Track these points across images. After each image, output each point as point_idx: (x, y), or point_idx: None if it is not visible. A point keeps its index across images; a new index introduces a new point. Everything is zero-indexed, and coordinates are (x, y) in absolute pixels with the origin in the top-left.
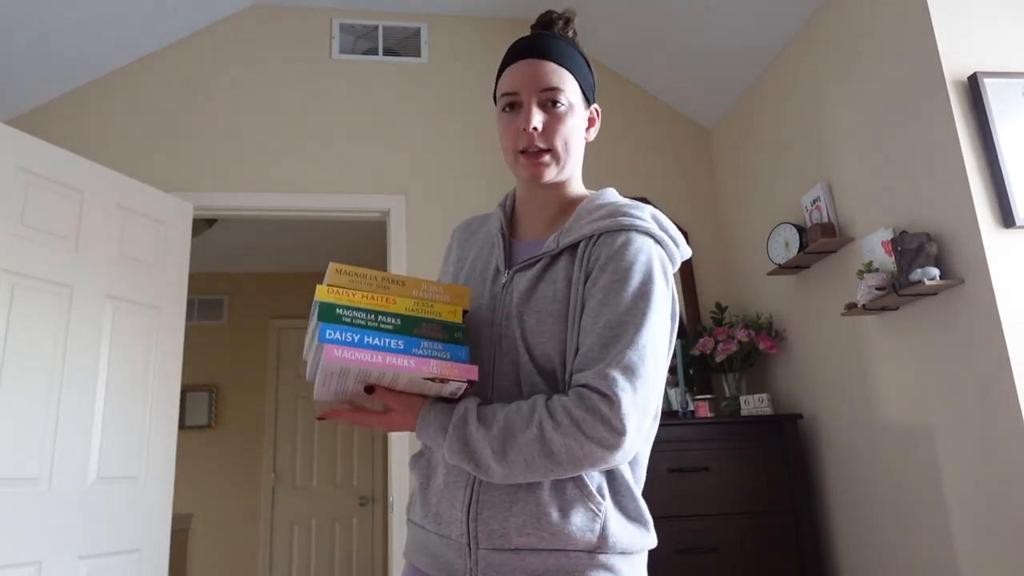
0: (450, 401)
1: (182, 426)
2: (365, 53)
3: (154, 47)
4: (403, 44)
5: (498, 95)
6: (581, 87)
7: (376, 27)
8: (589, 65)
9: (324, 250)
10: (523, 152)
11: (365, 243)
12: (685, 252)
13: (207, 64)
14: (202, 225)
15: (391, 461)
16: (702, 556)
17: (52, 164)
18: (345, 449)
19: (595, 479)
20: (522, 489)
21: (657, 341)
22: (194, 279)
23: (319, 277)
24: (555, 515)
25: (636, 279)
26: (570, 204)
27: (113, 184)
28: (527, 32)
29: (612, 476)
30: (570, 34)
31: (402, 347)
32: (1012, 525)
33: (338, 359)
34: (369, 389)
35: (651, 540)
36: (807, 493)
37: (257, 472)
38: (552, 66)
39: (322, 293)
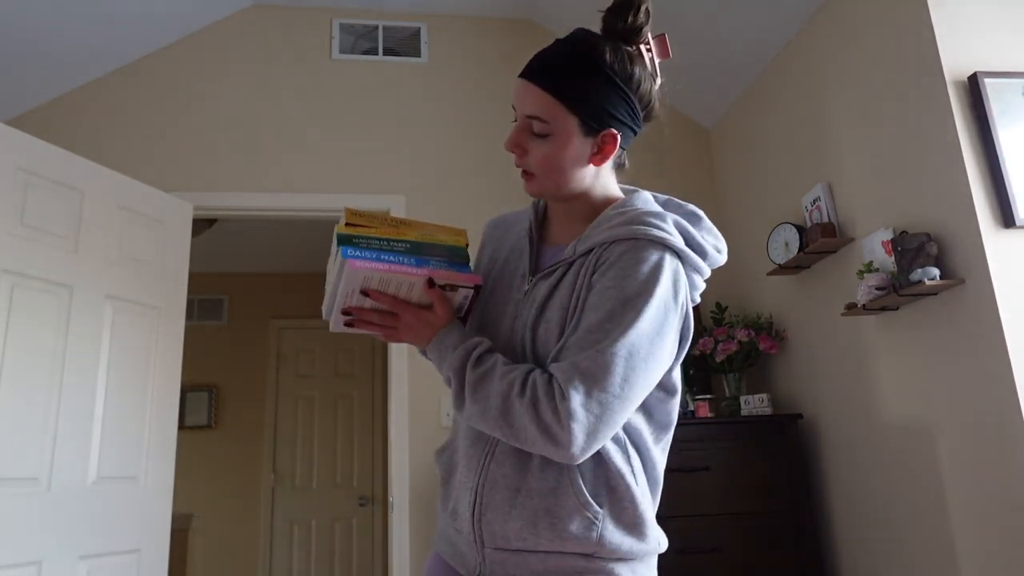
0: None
1: (182, 426)
2: (365, 53)
3: (154, 47)
4: (403, 44)
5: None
6: (580, 117)
7: (376, 27)
8: (621, 84)
9: (324, 250)
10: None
11: None
12: (716, 261)
13: (207, 64)
14: (202, 225)
15: (391, 461)
16: (702, 556)
17: (52, 164)
18: (345, 449)
19: (590, 486)
20: (521, 495)
21: (638, 353)
22: (194, 279)
23: (319, 277)
24: (551, 521)
25: (632, 288)
26: (596, 211)
27: (113, 184)
28: (527, 32)
29: (611, 485)
30: (641, 21)
31: (414, 262)
32: (1012, 525)
33: (360, 267)
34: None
35: (653, 546)
36: (807, 493)
37: (257, 472)
38: (538, 92)
39: (341, 229)
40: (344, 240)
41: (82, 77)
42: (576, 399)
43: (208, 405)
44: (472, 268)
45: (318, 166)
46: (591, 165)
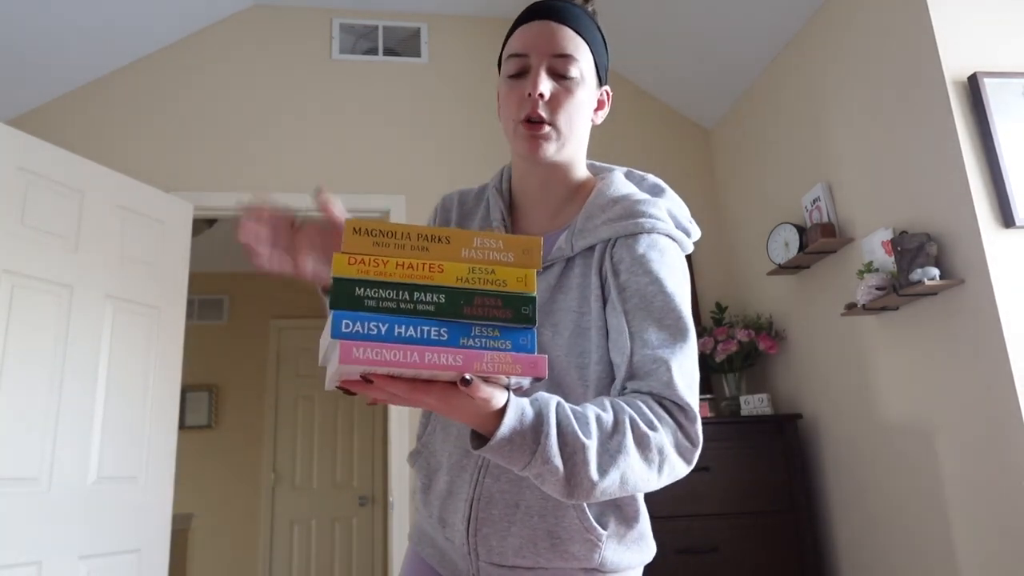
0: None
1: (182, 426)
2: (365, 53)
3: (154, 47)
4: (403, 44)
5: (504, 57)
6: (596, 63)
7: (376, 27)
8: (606, 45)
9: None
10: (524, 121)
11: None
12: (694, 235)
13: (207, 64)
14: (202, 225)
15: (391, 461)
16: (702, 556)
17: (52, 164)
18: (345, 449)
19: (597, 506)
20: (520, 511)
21: (696, 343)
22: (194, 279)
23: None
24: (552, 543)
25: (670, 282)
26: (575, 191)
27: (113, 184)
28: None
29: (619, 503)
30: (590, 10)
31: (445, 338)
32: (1012, 525)
33: (358, 361)
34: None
35: (649, 555)
36: (807, 493)
37: (257, 472)
38: (569, 32)
39: (340, 264)
40: (342, 296)
41: (82, 77)
42: (697, 410)
43: (208, 405)
44: (533, 321)
45: (318, 166)
46: (591, 121)
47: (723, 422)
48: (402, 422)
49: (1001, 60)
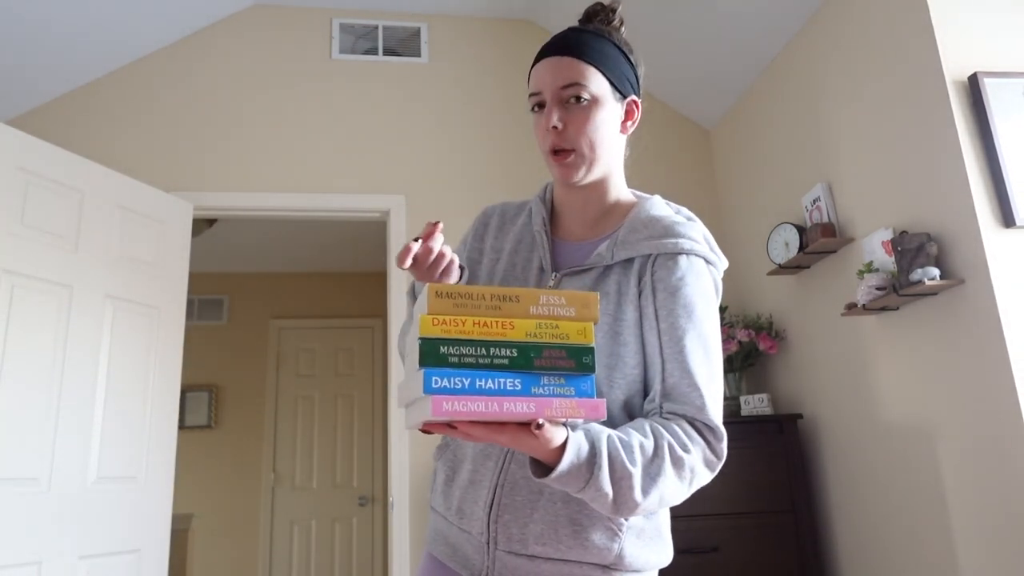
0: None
1: (182, 426)
2: (365, 53)
3: (154, 47)
4: (403, 44)
5: (528, 95)
6: (610, 79)
7: (376, 27)
8: (629, 57)
9: (324, 250)
10: (551, 153)
11: (365, 243)
12: (724, 263)
13: (207, 64)
14: (202, 225)
15: (391, 461)
16: (702, 556)
17: (52, 164)
18: (345, 449)
19: None
20: (543, 498)
21: (722, 363)
22: (194, 279)
23: (319, 277)
24: (574, 529)
25: (702, 307)
26: (614, 207)
27: (113, 184)
28: (527, 32)
29: None
30: (616, 23)
31: (519, 388)
32: (1012, 525)
33: (447, 414)
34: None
35: (666, 558)
36: (807, 493)
37: (257, 472)
38: (572, 61)
39: (426, 325)
40: (429, 354)
41: (82, 77)
42: (724, 433)
43: (208, 405)
44: (592, 369)
45: (318, 166)
46: (621, 134)
47: (723, 422)
48: (402, 423)
49: (1001, 60)
